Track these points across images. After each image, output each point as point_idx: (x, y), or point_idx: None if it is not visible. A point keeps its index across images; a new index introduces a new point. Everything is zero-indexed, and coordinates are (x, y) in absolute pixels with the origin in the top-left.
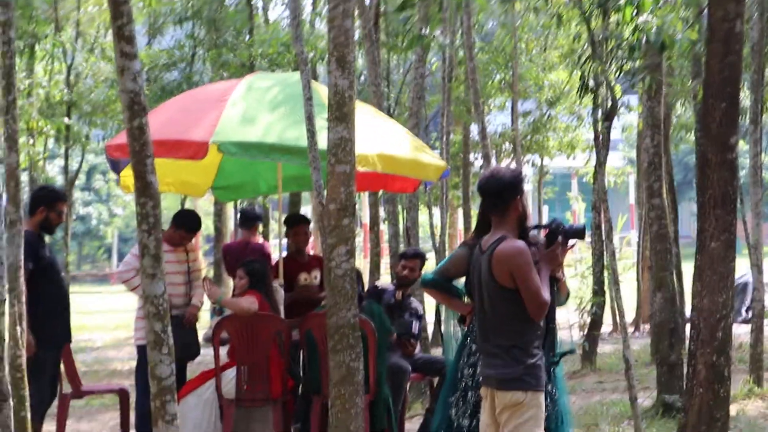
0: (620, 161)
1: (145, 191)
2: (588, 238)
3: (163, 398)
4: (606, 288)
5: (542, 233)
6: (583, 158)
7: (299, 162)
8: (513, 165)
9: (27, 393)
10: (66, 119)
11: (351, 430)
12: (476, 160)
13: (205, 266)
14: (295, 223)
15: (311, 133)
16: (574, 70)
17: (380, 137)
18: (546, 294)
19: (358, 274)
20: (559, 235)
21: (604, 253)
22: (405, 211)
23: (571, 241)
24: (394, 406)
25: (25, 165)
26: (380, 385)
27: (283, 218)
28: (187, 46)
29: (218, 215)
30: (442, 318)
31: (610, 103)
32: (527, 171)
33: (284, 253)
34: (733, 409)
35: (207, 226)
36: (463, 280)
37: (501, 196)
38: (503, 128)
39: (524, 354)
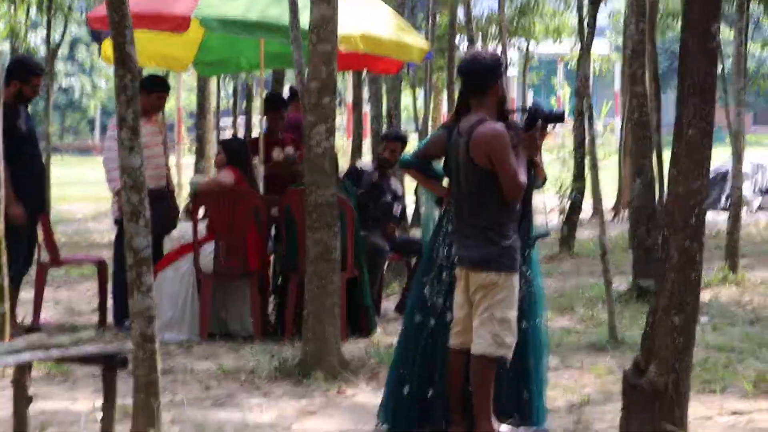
0: (607, 48)
1: (124, 63)
2: (570, 124)
3: (139, 269)
4: (586, 174)
5: (522, 117)
6: (570, 44)
7: (281, 40)
8: (497, 49)
9: (4, 260)
10: None
11: (326, 306)
12: (462, 43)
13: (188, 140)
14: (273, 106)
15: (293, 11)
16: None
17: (364, 17)
18: (522, 177)
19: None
20: (539, 119)
21: (586, 138)
22: (388, 92)
23: (550, 126)
24: (371, 284)
25: (5, 34)
26: (359, 264)
27: (264, 95)
28: None
29: (202, 91)
30: (421, 199)
31: None
32: (513, 56)
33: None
34: (707, 295)
35: (191, 101)
36: (442, 162)
37: (481, 78)
38: (490, 11)
39: (499, 236)
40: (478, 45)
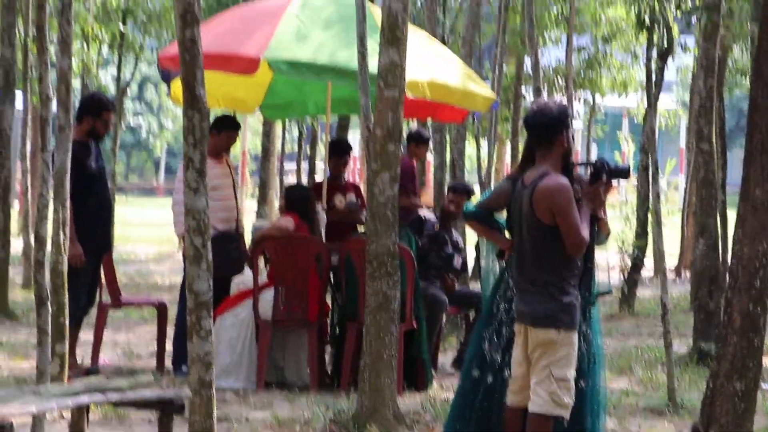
0: (673, 103)
1: (194, 104)
2: (634, 180)
3: (199, 313)
4: (649, 231)
5: (587, 171)
6: (636, 98)
7: (349, 84)
8: (563, 100)
9: (66, 299)
10: (121, 26)
11: (384, 357)
12: (528, 94)
13: (251, 184)
14: (337, 152)
15: (362, 56)
16: (632, 6)
17: (431, 64)
18: (585, 232)
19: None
20: (603, 173)
21: (650, 195)
22: (452, 141)
23: (614, 181)
24: (429, 337)
25: (78, 71)
26: (417, 315)
27: (328, 141)
28: None
29: (266, 134)
30: (482, 251)
31: (665, 43)
32: (578, 108)
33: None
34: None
35: (255, 144)
36: (505, 214)
37: (546, 130)
38: (557, 63)
39: (560, 292)
40: (544, 96)
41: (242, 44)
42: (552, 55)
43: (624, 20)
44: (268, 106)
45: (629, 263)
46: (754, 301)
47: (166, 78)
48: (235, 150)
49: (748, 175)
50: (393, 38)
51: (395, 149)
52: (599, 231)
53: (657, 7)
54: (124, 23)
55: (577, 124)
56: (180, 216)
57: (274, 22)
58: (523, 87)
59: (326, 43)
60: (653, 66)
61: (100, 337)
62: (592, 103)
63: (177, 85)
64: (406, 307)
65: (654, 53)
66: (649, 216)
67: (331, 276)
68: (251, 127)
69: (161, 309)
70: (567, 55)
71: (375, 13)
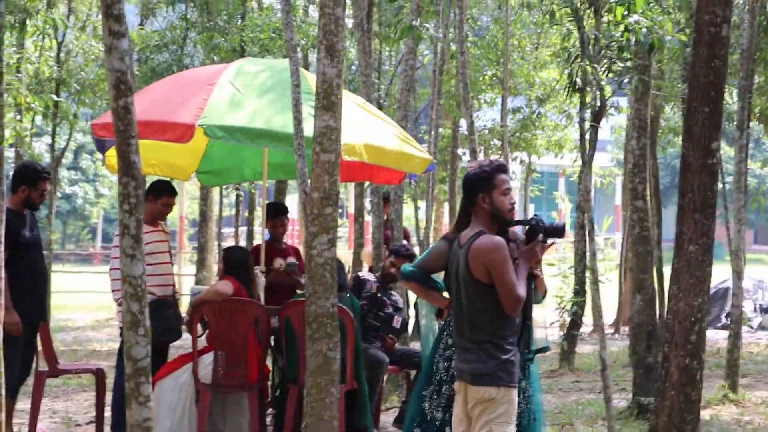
0: (608, 162)
1: (128, 171)
2: (572, 238)
3: (138, 380)
4: (587, 288)
5: (522, 229)
6: (571, 158)
7: (285, 149)
8: (496, 160)
9: (2, 369)
10: (54, 96)
11: (325, 419)
12: (464, 155)
13: (190, 249)
14: (275, 213)
15: (297, 120)
16: (565, 68)
17: (367, 127)
18: (521, 290)
19: (341, 265)
20: (539, 232)
21: (587, 253)
22: (390, 203)
23: (550, 239)
24: (370, 397)
25: (11, 141)
26: (358, 376)
27: (266, 204)
28: (179, 28)
29: (204, 199)
30: (421, 311)
31: (598, 103)
32: (515, 168)
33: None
34: (707, 414)
35: (193, 209)
36: (443, 274)
37: (469, 190)
38: (492, 124)
39: (498, 349)
40: (480, 156)
41: (177, 112)
42: (488, 116)
43: (557, 82)
44: (204, 172)
45: (568, 320)
46: (690, 356)
47: (101, 147)
48: (173, 215)
49: (682, 232)
50: (328, 103)
51: (332, 212)
52: (536, 289)
53: (589, 70)
54: (57, 93)
55: (514, 184)
56: (118, 284)
57: (207, 91)
58: (459, 148)
59: (261, 108)
60: (586, 126)
61: (38, 405)
62: (528, 163)
63: (111, 153)
64: (347, 368)
65: (588, 114)
66: (587, 273)
67: (272, 339)
68: (188, 192)
69: (99, 375)
70: (502, 117)
71: (309, 78)
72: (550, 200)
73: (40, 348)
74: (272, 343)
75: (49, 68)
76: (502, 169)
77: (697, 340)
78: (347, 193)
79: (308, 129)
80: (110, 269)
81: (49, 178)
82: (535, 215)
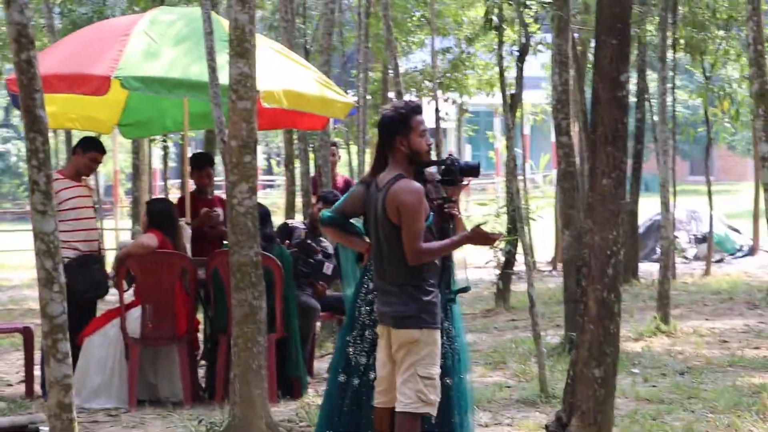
0: (543, 99)
1: (34, 126)
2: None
3: (55, 336)
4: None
5: (439, 170)
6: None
7: (203, 98)
8: (413, 101)
9: None
10: None
11: (253, 368)
12: (394, 98)
13: (127, 203)
14: (200, 164)
15: (212, 69)
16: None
17: (286, 73)
18: (418, 243)
19: (267, 213)
20: (454, 171)
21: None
22: (316, 149)
23: (466, 179)
24: (303, 345)
25: None
26: (289, 325)
27: (189, 156)
28: None
29: (136, 152)
30: (341, 257)
31: (523, 40)
32: (448, 109)
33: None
34: (639, 346)
35: (128, 163)
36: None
37: (386, 132)
38: (423, 66)
39: (419, 291)
40: (411, 98)
41: (92, 64)
42: (418, 58)
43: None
44: (125, 125)
45: (502, 259)
46: (608, 289)
47: (16, 102)
48: (108, 169)
49: (594, 165)
50: (242, 50)
51: (252, 160)
52: (454, 229)
53: (503, 7)
54: None
55: (449, 125)
56: None
57: (123, 41)
58: (390, 92)
59: (178, 58)
60: (504, 65)
61: None
62: (460, 103)
63: None
64: (276, 316)
65: (510, 52)
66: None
67: (202, 291)
68: (122, 146)
69: (27, 334)
70: (432, 58)
71: (225, 25)
72: (485, 140)
73: None
74: (202, 294)
75: None
76: (418, 110)
77: (614, 273)
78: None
79: (224, 78)
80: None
81: None
82: (449, 155)
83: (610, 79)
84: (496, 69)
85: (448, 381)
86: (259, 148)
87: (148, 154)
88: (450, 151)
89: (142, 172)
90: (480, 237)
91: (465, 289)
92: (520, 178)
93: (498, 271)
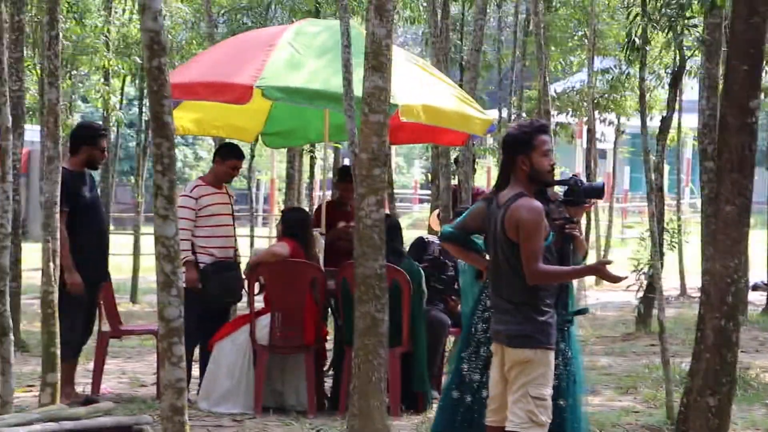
0: None
1: (161, 132)
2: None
3: (171, 340)
4: (665, 251)
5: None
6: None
7: (341, 109)
8: (538, 120)
9: (57, 329)
10: (138, 59)
11: (373, 380)
12: (554, 117)
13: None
14: (344, 177)
15: (347, 81)
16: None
17: (425, 88)
18: (537, 264)
19: (397, 226)
20: (578, 192)
21: (663, 215)
22: (459, 164)
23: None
24: (431, 360)
25: (98, 105)
26: (416, 339)
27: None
28: None
29: (290, 162)
30: (461, 273)
31: (678, 65)
32: (604, 130)
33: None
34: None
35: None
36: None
37: (507, 151)
38: (582, 86)
39: (535, 311)
40: (566, 118)
41: (236, 73)
42: (578, 77)
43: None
44: (269, 134)
45: (645, 283)
46: (726, 318)
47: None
48: (266, 178)
49: (719, 192)
50: (377, 63)
51: (381, 173)
52: (575, 250)
53: (647, 29)
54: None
55: (607, 146)
56: (181, 244)
57: (267, 52)
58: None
59: (320, 69)
60: (643, 86)
61: (101, 366)
62: (617, 124)
63: (175, 114)
64: (403, 330)
65: (646, 74)
66: (665, 236)
67: (333, 301)
68: (276, 157)
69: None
70: (589, 78)
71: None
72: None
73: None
74: (333, 305)
75: (137, 31)
76: (543, 129)
77: (733, 301)
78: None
79: (360, 90)
80: None
81: (107, 136)
82: (573, 175)
83: (739, 105)
84: (655, 91)
85: (561, 403)
86: (417, 163)
87: (302, 163)
88: (577, 171)
89: (295, 182)
90: (603, 274)
91: (583, 311)
92: (671, 201)
93: (640, 295)
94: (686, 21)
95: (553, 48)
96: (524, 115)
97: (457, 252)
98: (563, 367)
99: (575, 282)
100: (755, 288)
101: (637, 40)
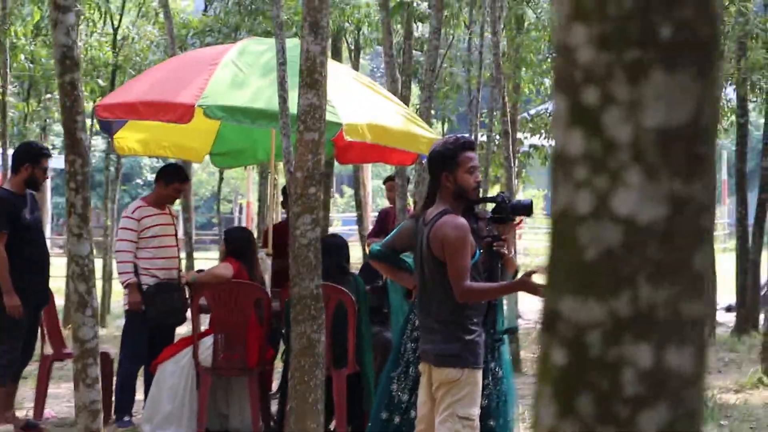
0: None
1: (74, 148)
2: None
3: (85, 361)
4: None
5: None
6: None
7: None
8: (462, 137)
9: None
10: (100, 81)
11: (309, 402)
12: (525, 139)
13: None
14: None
15: (282, 99)
16: None
17: (370, 107)
18: (464, 281)
19: (344, 245)
20: (505, 209)
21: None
22: (414, 184)
23: (517, 218)
24: (380, 381)
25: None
26: (363, 359)
27: (279, 187)
28: (232, 13)
29: (262, 183)
30: (390, 292)
31: None
32: None
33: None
34: (736, 398)
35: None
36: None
37: (432, 168)
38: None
39: (462, 330)
40: (538, 141)
41: (178, 92)
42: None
43: None
44: (217, 154)
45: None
46: None
47: (107, 129)
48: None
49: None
50: (311, 81)
51: (316, 191)
52: (504, 268)
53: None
54: (113, 80)
55: None
56: (123, 266)
57: (211, 70)
58: (519, 132)
59: (263, 88)
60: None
61: (44, 389)
62: None
63: (120, 135)
64: (348, 351)
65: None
66: None
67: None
68: (247, 176)
69: (104, 359)
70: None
71: None
72: None
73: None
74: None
75: (106, 53)
76: (468, 146)
77: None
78: (363, 176)
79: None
80: (115, 251)
81: (50, 156)
82: (501, 192)
83: None
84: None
85: (491, 423)
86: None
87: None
88: (504, 189)
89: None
90: (530, 288)
91: (512, 330)
92: None
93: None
94: None
95: (524, 71)
96: (498, 137)
97: (386, 271)
98: (493, 387)
99: (508, 298)
100: (729, 309)
101: None
